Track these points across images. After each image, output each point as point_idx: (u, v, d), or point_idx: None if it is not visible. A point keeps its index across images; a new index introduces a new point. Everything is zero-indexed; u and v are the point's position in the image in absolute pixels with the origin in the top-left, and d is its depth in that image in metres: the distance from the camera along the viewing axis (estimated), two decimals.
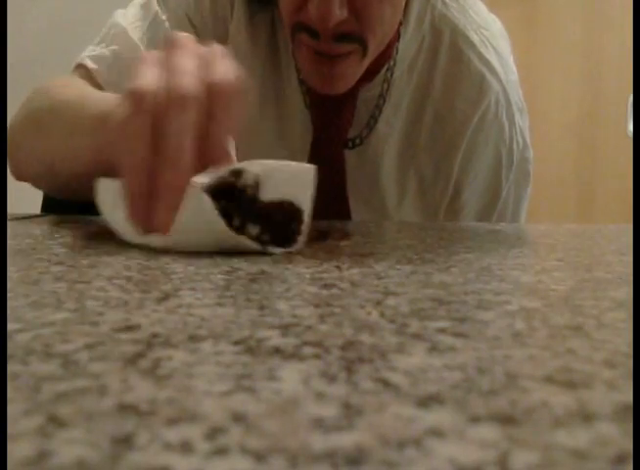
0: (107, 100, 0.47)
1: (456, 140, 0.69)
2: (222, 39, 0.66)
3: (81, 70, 0.65)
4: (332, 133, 0.68)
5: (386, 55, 0.66)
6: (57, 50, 1.86)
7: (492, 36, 0.71)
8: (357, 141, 0.70)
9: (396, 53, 0.67)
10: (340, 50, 0.57)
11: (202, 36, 0.66)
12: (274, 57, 0.69)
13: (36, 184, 0.64)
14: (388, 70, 0.68)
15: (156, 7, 0.66)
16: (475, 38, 0.69)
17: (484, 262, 0.34)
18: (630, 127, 2.82)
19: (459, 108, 0.69)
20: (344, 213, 0.69)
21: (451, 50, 0.68)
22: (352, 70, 0.59)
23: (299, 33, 0.58)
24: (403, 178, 0.71)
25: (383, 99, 0.68)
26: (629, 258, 0.37)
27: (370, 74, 0.66)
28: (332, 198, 0.68)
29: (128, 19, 0.67)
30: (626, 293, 0.26)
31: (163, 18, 0.66)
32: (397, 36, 0.66)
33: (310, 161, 0.68)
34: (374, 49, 0.59)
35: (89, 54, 0.65)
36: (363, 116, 0.69)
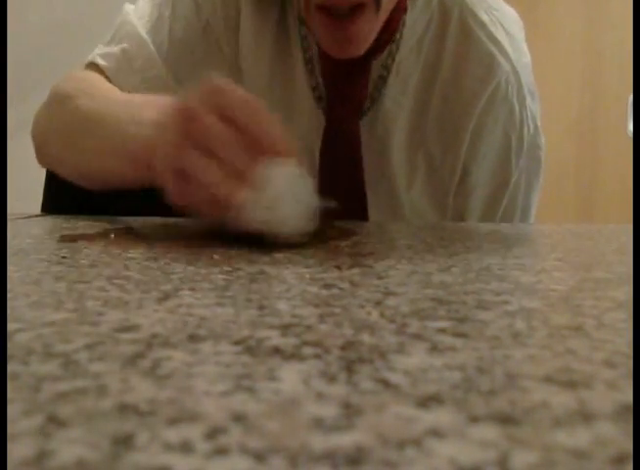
0: (139, 119, 0.50)
1: (464, 120, 0.68)
2: (233, 29, 0.66)
3: (92, 67, 0.67)
4: (348, 107, 0.67)
5: (392, 26, 0.64)
6: (57, 50, 1.86)
7: (503, 17, 0.69)
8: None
9: (403, 25, 0.66)
10: (351, 0, 0.54)
11: (212, 28, 0.66)
12: (284, 36, 0.67)
13: (64, 176, 0.64)
14: (393, 42, 0.66)
15: (164, 6, 0.67)
16: (485, 18, 0.67)
17: (484, 262, 0.34)
18: (630, 127, 2.82)
19: (467, 87, 0.67)
20: (359, 190, 0.68)
21: (460, 29, 0.67)
22: (367, 27, 0.57)
23: None
24: (413, 158, 0.69)
25: (387, 70, 0.67)
26: (629, 258, 0.37)
27: (381, 45, 0.64)
28: (348, 174, 0.67)
29: (138, 13, 0.68)
30: (626, 293, 0.26)
31: (167, 14, 0.66)
32: (404, 9, 0.65)
33: (325, 135, 0.67)
34: (387, 2, 0.57)
35: (100, 52, 0.67)
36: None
